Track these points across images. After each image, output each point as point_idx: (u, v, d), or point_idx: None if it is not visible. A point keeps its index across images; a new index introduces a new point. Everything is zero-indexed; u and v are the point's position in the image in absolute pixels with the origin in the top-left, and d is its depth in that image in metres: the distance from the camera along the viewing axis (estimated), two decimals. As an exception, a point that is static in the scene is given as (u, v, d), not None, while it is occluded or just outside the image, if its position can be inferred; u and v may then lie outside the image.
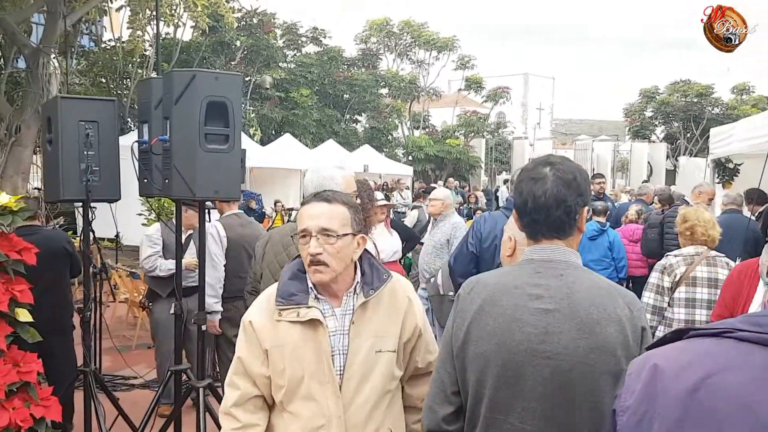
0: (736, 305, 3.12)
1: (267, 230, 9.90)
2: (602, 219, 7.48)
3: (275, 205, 14.38)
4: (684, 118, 36.42)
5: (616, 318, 1.63)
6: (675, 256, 4.18)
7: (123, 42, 19.95)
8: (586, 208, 1.79)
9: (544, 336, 1.63)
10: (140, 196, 4.05)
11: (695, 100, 36.12)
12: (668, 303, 4.09)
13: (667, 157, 36.69)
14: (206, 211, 3.97)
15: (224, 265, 4.65)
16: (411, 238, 6.50)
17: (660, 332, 4.01)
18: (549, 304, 1.65)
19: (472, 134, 33.38)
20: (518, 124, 47.71)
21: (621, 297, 1.68)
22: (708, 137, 33.94)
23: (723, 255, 4.13)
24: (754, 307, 2.91)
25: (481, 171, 33.92)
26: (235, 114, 3.37)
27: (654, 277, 4.19)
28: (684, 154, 37.06)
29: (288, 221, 13.82)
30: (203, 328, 3.64)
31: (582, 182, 1.74)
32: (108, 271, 5.13)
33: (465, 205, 17.74)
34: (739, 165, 9.11)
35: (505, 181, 26.02)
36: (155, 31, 22.33)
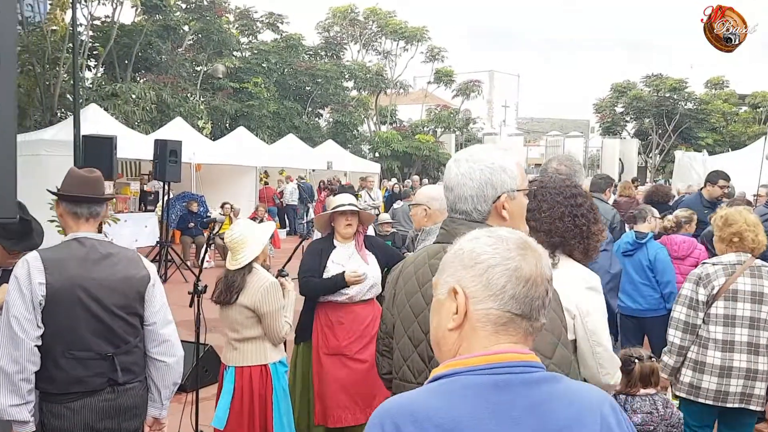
0: None
1: (209, 240, 7.79)
2: (645, 228, 5.60)
3: (223, 207, 12.28)
4: (656, 114, 35.53)
5: None
6: (713, 264, 3.62)
7: (45, 23, 17.49)
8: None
9: None
10: None
11: (668, 95, 35.20)
12: (703, 320, 3.57)
13: (639, 153, 35.80)
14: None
15: (41, 335, 2.41)
16: (395, 262, 4.38)
17: (693, 354, 3.56)
18: None
19: (442, 130, 31.71)
20: (484, 122, 46.55)
21: None
22: (680, 133, 33.40)
23: None
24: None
25: (452, 168, 32.33)
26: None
27: (687, 289, 3.65)
28: (655, 150, 36.23)
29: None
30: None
31: None
32: None
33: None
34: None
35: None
36: (87, 13, 20.14)
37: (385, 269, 4.15)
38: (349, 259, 3.91)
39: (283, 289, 3.54)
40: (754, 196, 6.82)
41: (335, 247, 3.97)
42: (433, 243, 1.95)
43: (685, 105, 35.44)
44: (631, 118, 37.94)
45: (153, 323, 2.63)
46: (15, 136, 1.42)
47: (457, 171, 1.82)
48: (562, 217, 2.34)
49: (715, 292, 3.54)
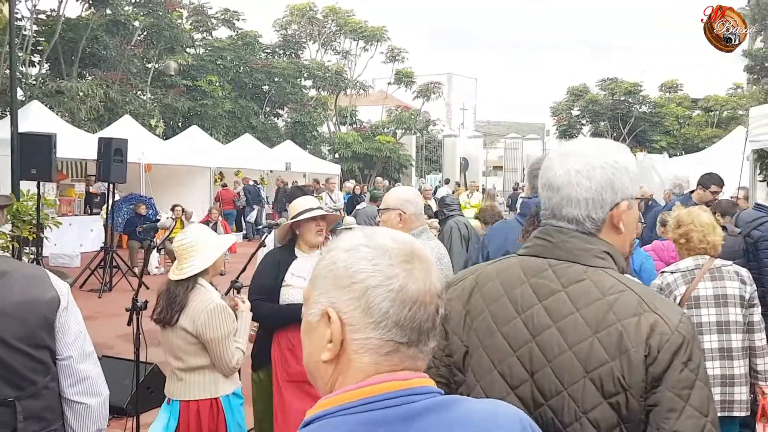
0: None
1: (160, 243, 7.24)
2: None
3: (173, 210, 11.61)
4: (611, 117, 36.12)
5: None
6: (672, 272, 3.50)
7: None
8: None
9: None
10: None
11: (623, 98, 35.79)
12: None
13: (596, 156, 36.32)
14: None
15: None
16: None
17: None
18: None
19: (403, 131, 31.42)
20: (444, 123, 46.67)
21: None
22: (635, 136, 34.05)
23: (730, 263, 3.47)
24: None
25: (412, 170, 32.06)
26: None
27: None
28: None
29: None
30: None
31: None
32: None
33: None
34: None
35: (447, 181, 24.07)
36: (30, 6, 19.10)
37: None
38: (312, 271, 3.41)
39: (235, 309, 3.01)
40: (732, 197, 6.61)
41: (296, 257, 3.48)
42: (525, 254, 1.53)
43: (640, 108, 36.10)
44: (587, 121, 38.51)
45: (68, 357, 2.08)
46: None
47: (569, 167, 1.45)
48: None
49: (677, 302, 3.38)
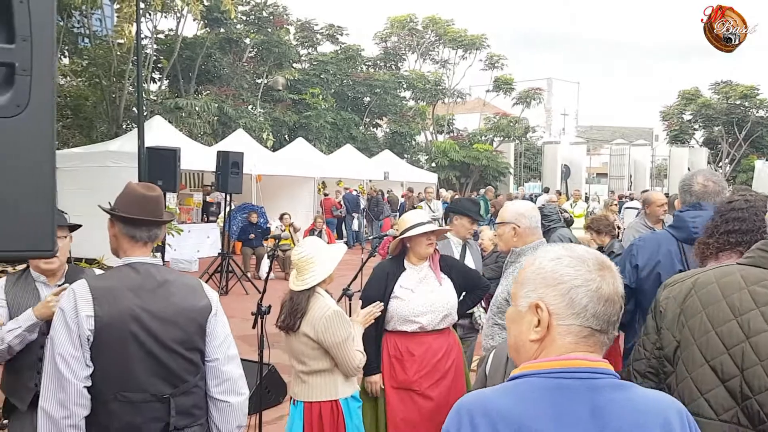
0: None
1: (270, 252, 7.60)
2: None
3: (282, 218, 12.20)
4: (726, 122, 34.07)
5: None
6: None
7: (111, 36, 17.96)
8: None
9: None
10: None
11: (738, 102, 33.70)
12: None
13: (708, 162, 34.37)
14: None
15: (91, 375, 2.12)
16: (475, 286, 3.92)
17: None
18: None
19: (501, 139, 31.14)
20: (543, 130, 45.66)
21: None
22: (752, 141, 32.05)
23: None
24: None
25: (510, 178, 31.68)
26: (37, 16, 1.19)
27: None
28: (725, 160, 34.74)
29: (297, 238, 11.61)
30: None
31: None
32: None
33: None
34: None
35: (546, 190, 23.57)
36: (152, 27, 20.65)
37: (462, 293, 3.81)
38: (420, 283, 3.53)
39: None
40: None
41: (405, 269, 3.59)
42: (745, 263, 1.78)
43: (757, 112, 33.87)
44: (699, 125, 36.58)
45: (215, 359, 2.32)
46: (53, 175, 1.21)
47: None
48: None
49: None
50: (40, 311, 2.63)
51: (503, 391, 1.25)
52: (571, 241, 5.95)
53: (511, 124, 30.96)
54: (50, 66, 1.21)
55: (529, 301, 1.29)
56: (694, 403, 1.74)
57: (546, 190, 23.09)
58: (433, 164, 28.67)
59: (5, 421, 2.87)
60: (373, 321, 3.43)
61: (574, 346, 1.25)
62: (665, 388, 1.83)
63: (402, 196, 19.50)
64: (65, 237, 2.85)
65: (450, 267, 3.71)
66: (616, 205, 10.08)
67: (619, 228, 9.34)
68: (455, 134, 32.36)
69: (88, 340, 2.08)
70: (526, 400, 1.20)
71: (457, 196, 17.24)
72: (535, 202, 17.30)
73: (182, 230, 11.34)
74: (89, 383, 2.09)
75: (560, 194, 21.73)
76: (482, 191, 21.45)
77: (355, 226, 18.24)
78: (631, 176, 33.56)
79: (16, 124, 1.16)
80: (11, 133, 1.15)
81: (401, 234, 3.60)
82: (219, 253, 10.81)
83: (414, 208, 13.90)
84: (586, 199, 21.60)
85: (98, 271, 2.66)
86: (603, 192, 31.40)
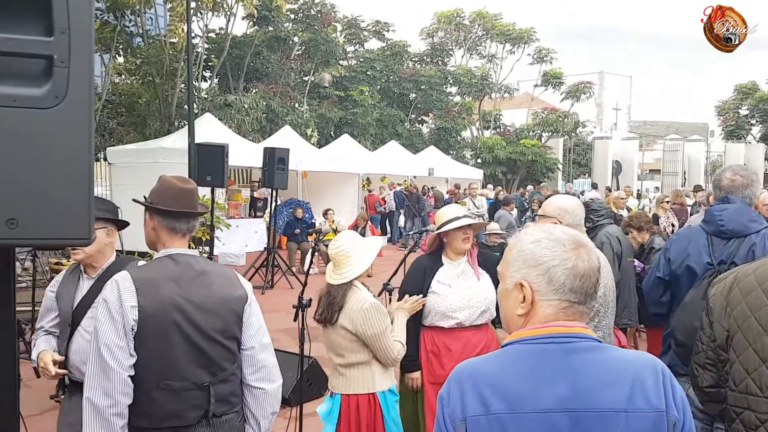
0: None
1: (313, 247, 7.70)
2: None
3: (326, 214, 12.32)
4: (786, 117, 32.77)
5: None
6: None
7: (164, 35, 18.42)
8: None
9: None
10: None
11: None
12: None
13: (766, 158, 33.11)
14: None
15: (134, 364, 2.19)
16: None
17: None
18: None
19: (550, 134, 30.63)
20: (594, 125, 44.69)
21: None
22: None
23: None
24: None
25: (559, 174, 31.15)
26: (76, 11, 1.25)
27: None
28: (784, 156, 33.44)
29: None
30: None
31: None
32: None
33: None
34: None
35: (595, 186, 23.06)
36: (203, 25, 21.11)
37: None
38: (458, 278, 3.53)
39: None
40: None
41: (442, 264, 3.59)
42: None
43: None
44: (756, 121, 35.26)
45: (251, 347, 2.39)
46: (91, 162, 1.27)
47: None
48: None
49: None
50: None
51: (492, 357, 1.43)
52: (619, 239, 5.82)
53: (560, 119, 30.40)
54: (88, 58, 1.25)
55: (514, 281, 1.44)
56: (743, 383, 1.95)
57: (594, 186, 22.62)
58: (479, 160, 28.45)
59: (61, 396, 3.03)
60: (419, 309, 3.45)
61: (554, 316, 1.40)
62: (724, 375, 2.04)
63: (447, 193, 19.43)
64: (102, 228, 2.90)
65: (488, 262, 3.67)
66: (667, 202, 9.75)
67: (673, 225, 9.08)
68: (502, 130, 31.99)
69: (132, 330, 2.15)
70: (509, 364, 1.37)
71: (502, 193, 17.08)
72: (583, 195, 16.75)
73: (230, 225, 11.59)
74: (133, 372, 2.15)
75: (610, 191, 21.24)
76: (529, 188, 21.20)
77: (401, 222, 18.24)
78: (685, 172, 32.62)
79: (54, 115, 1.21)
80: (49, 124, 1.21)
81: (437, 229, 3.61)
82: (265, 248, 11.00)
83: (458, 203, 13.82)
84: (638, 196, 21.07)
85: (142, 263, 2.76)
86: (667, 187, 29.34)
